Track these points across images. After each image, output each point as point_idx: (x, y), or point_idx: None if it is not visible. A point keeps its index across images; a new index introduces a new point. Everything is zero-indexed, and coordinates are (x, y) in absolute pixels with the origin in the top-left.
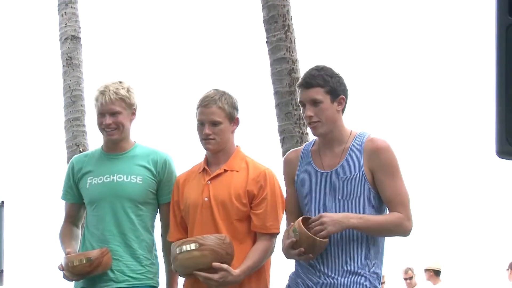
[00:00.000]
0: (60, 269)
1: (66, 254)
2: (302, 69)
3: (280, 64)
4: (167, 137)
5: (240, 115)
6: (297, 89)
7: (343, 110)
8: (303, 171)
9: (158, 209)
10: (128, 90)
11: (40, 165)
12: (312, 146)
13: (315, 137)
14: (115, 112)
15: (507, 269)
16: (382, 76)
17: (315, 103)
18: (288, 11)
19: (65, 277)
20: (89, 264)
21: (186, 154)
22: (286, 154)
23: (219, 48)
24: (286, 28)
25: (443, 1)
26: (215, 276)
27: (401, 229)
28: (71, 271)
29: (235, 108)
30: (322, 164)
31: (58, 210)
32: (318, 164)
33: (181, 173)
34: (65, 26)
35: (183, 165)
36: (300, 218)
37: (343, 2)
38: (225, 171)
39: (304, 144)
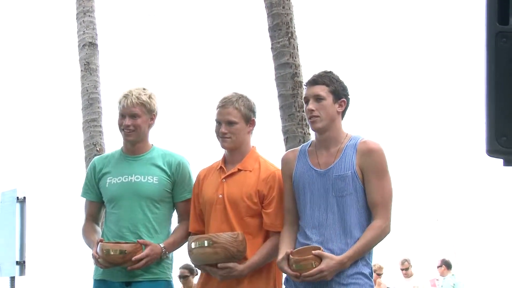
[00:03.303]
0: (94, 256)
1: (99, 241)
2: (305, 73)
3: (283, 69)
4: (180, 138)
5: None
6: (304, 87)
7: (343, 115)
8: (300, 169)
9: (174, 207)
10: (149, 97)
11: (60, 163)
12: (309, 146)
13: (313, 139)
14: (135, 115)
15: (441, 266)
16: (381, 80)
17: (318, 99)
18: (291, 19)
19: (97, 263)
20: (123, 256)
21: (200, 153)
22: (284, 154)
23: (228, 54)
24: (289, 35)
25: (438, 12)
26: (220, 272)
27: (384, 235)
28: (105, 258)
29: (251, 110)
30: (318, 162)
31: (76, 205)
32: (314, 163)
33: (203, 167)
34: (83, 34)
35: (200, 165)
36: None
37: (343, 11)
38: (239, 170)
39: (301, 145)
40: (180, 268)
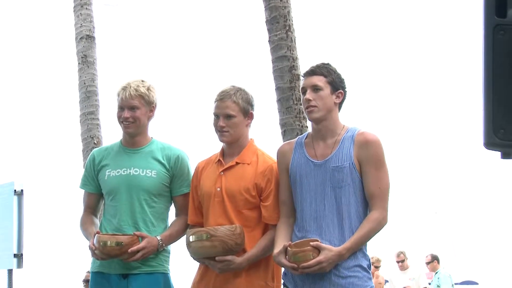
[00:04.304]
0: (91, 247)
1: (96, 233)
2: (302, 66)
3: (281, 61)
4: (178, 130)
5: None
6: (302, 77)
7: (339, 106)
8: (296, 161)
9: (172, 201)
10: (148, 89)
11: (57, 156)
12: (305, 138)
13: (309, 131)
14: (134, 107)
15: (432, 262)
16: (379, 73)
17: (316, 89)
18: (289, 12)
19: (93, 255)
20: (119, 248)
21: (198, 146)
22: (280, 146)
23: (226, 47)
24: (287, 28)
25: (436, 4)
26: (218, 265)
27: (381, 227)
28: (101, 250)
29: (249, 103)
30: (315, 154)
31: (74, 197)
32: (311, 154)
33: (202, 160)
34: (80, 26)
35: (198, 158)
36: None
37: (340, 4)
38: (237, 163)
39: (297, 137)
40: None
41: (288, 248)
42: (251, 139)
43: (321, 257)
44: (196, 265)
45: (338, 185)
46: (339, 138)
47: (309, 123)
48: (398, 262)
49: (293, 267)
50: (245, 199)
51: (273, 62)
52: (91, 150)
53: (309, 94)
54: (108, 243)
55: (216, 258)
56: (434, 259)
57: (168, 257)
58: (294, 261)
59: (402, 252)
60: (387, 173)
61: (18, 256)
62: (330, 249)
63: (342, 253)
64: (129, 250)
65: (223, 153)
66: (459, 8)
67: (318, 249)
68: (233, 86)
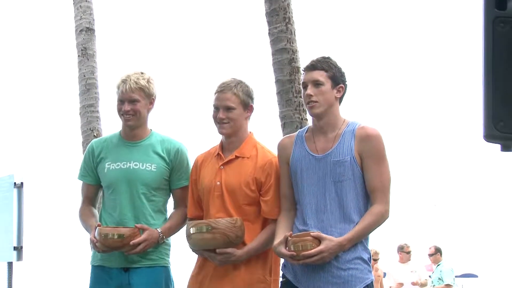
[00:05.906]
0: (92, 240)
1: (97, 226)
2: (302, 59)
3: (281, 54)
4: (177, 122)
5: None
6: (302, 72)
7: (340, 100)
8: (297, 155)
9: (171, 194)
10: (148, 81)
11: (57, 148)
12: (306, 132)
13: (309, 124)
14: (134, 100)
15: (435, 254)
16: (378, 66)
17: (316, 84)
18: (288, 4)
19: (95, 247)
20: (121, 240)
21: (198, 139)
22: (281, 139)
23: (226, 40)
24: (287, 21)
25: None
26: (218, 257)
27: (383, 221)
28: (102, 242)
29: (249, 96)
30: (315, 148)
31: (74, 190)
32: (311, 148)
33: (201, 153)
34: (80, 19)
35: (197, 151)
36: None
37: None
38: (237, 157)
39: (297, 131)
40: None
41: (289, 238)
42: (250, 132)
43: (322, 246)
44: (196, 258)
45: (339, 179)
46: (339, 132)
47: (309, 116)
48: (408, 252)
49: (292, 256)
50: (245, 194)
51: (272, 55)
52: None
53: (310, 89)
54: (110, 235)
55: (217, 250)
56: (437, 252)
57: (169, 250)
58: (294, 250)
59: (407, 245)
60: (388, 167)
61: (18, 249)
62: (331, 239)
63: (343, 244)
64: (131, 242)
65: (222, 146)
66: (459, 1)
67: (318, 240)
68: (233, 78)
